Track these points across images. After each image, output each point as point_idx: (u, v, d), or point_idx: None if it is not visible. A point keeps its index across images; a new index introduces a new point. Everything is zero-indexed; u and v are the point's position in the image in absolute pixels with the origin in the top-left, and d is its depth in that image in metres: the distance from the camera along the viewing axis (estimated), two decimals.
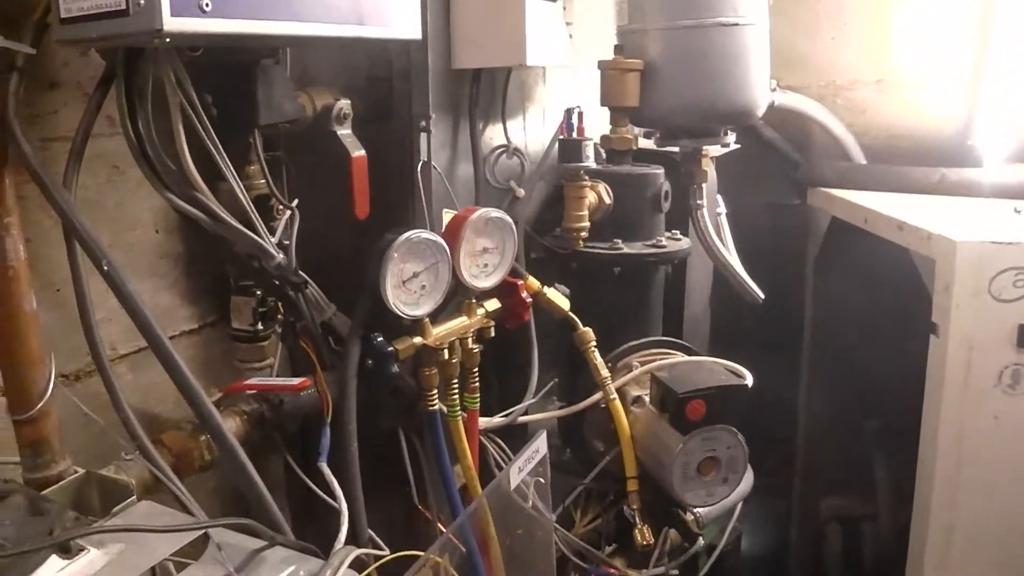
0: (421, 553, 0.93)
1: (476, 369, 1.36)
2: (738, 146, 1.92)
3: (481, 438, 1.42)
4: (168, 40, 0.89)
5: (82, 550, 0.88)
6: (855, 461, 2.75)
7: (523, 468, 1.11)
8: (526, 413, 1.45)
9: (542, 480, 1.16)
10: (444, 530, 1.22)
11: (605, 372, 1.41)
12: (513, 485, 1.08)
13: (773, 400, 2.99)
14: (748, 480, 1.72)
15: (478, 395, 1.37)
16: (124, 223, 1.29)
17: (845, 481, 2.84)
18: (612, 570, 1.44)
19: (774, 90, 2.46)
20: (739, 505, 1.77)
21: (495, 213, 1.32)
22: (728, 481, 1.37)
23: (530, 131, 1.67)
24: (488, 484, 1.24)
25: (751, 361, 3.00)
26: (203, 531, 0.91)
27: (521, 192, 1.53)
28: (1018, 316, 1.90)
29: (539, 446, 1.17)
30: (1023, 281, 1.88)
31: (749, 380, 1.39)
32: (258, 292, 1.34)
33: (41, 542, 0.87)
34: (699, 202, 1.69)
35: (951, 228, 1.96)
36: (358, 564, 0.88)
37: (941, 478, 2.03)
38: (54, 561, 0.86)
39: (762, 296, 1.94)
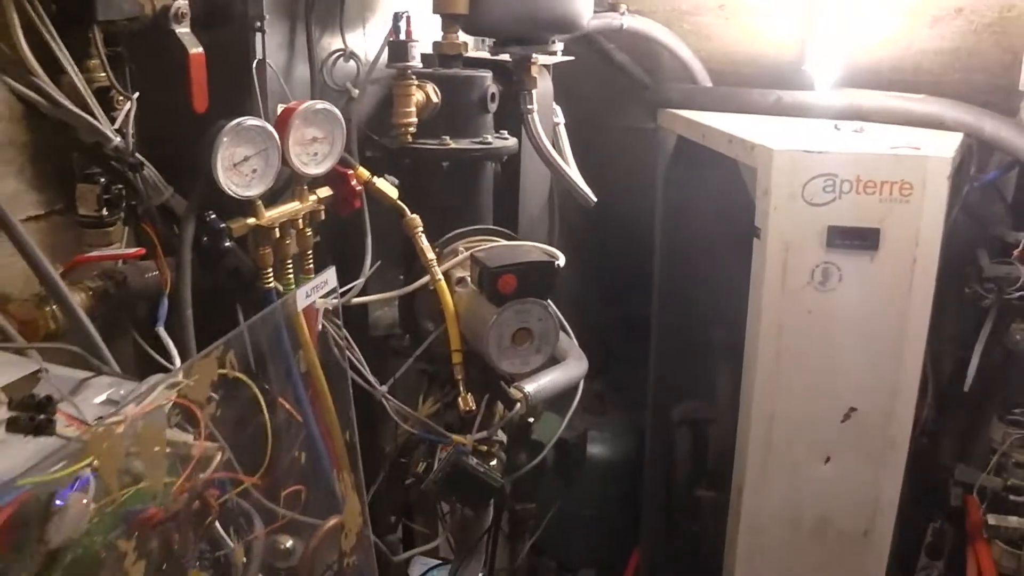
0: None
1: (310, 252, 1.49)
2: (571, 58, 2.06)
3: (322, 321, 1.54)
4: None
5: None
6: (703, 370, 2.97)
7: (311, 294, 1.24)
8: (362, 295, 1.57)
9: (329, 307, 1.29)
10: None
11: (431, 255, 1.55)
12: (300, 307, 1.21)
13: (629, 316, 3.20)
14: (580, 366, 1.87)
15: (312, 276, 1.49)
16: None
17: (694, 389, 3.06)
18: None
19: (622, 13, 2.61)
20: (577, 396, 1.91)
21: (322, 105, 1.43)
22: (541, 351, 1.52)
23: (370, 37, 1.78)
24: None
25: (609, 279, 3.18)
26: (38, 367, 1.02)
27: (355, 92, 1.65)
28: (828, 219, 2.10)
29: (328, 277, 1.30)
30: (832, 187, 2.08)
31: (561, 260, 1.53)
32: (102, 180, 1.43)
33: None
34: (529, 107, 1.83)
35: (772, 140, 2.15)
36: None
37: (763, 371, 2.24)
38: None
39: (594, 199, 2.10)
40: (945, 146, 2.13)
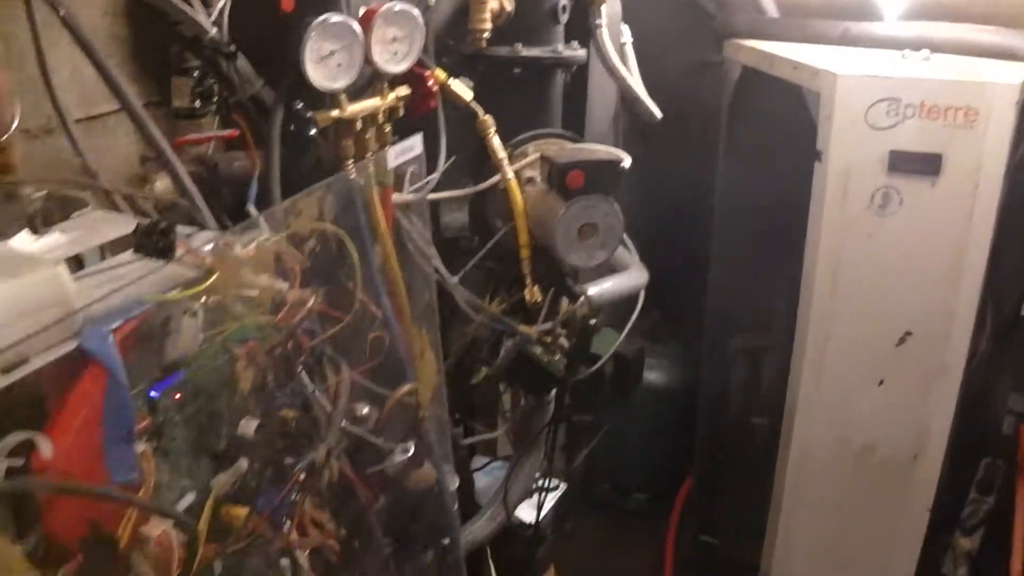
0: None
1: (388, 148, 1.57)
2: None
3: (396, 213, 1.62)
4: None
5: (48, 232, 1.08)
6: (762, 299, 3.01)
7: (399, 155, 1.33)
8: (436, 190, 1.65)
9: (415, 171, 1.37)
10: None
11: (502, 154, 1.63)
12: (392, 165, 1.29)
13: (686, 250, 3.24)
14: (640, 276, 1.94)
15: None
16: (75, 4, 1.46)
17: (752, 317, 3.10)
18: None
19: None
20: (637, 309, 1.98)
21: (401, 6, 1.51)
22: (606, 246, 1.59)
23: None
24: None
25: (668, 213, 3.22)
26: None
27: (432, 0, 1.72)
28: (890, 143, 2.12)
29: (415, 143, 1.38)
30: (895, 111, 2.10)
31: (627, 161, 1.60)
32: (196, 73, 1.53)
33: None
34: (598, 21, 1.89)
35: (836, 65, 2.17)
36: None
37: (820, 293, 2.28)
38: (25, 236, 1.06)
39: (659, 114, 2.15)
40: (1014, 75, 2.13)
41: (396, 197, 1.43)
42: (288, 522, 1.02)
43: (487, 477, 2.09)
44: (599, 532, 3.54)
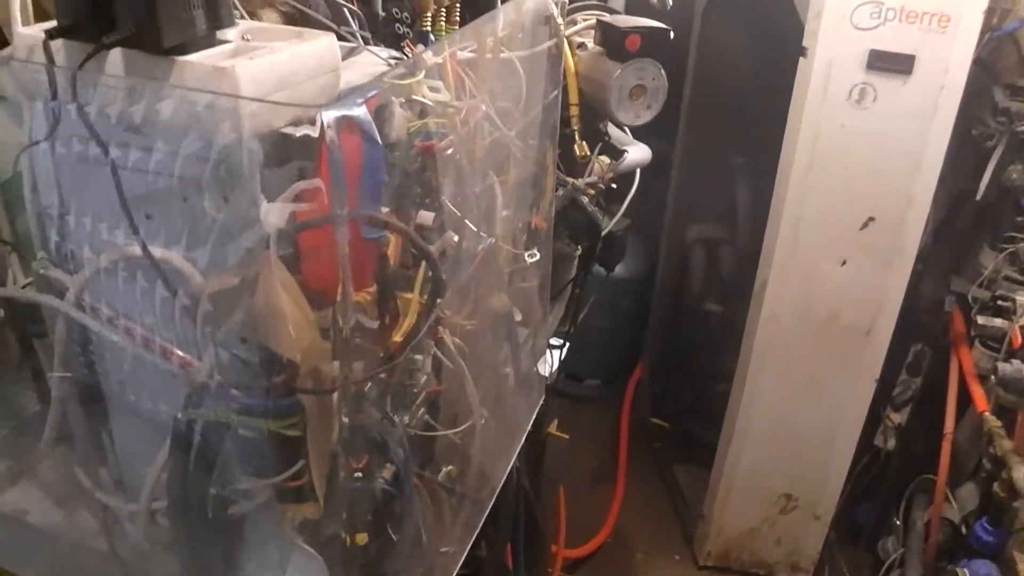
0: None
1: (458, 6, 1.70)
2: None
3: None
4: None
5: None
6: (722, 194, 3.25)
7: None
8: None
9: None
10: None
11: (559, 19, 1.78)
12: None
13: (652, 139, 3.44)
14: (647, 151, 2.13)
15: (457, 26, 1.71)
16: None
17: (711, 211, 3.34)
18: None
19: None
20: (633, 188, 2.16)
21: None
22: (651, 108, 1.77)
23: None
24: None
25: None
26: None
27: None
28: (870, 43, 2.34)
29: None
30: (878, 14, 2.31)
31: (671, 33, 1.77)
32: None
33: None
34: None
35: None
36: None
37: (795, 178, 2.50)
38: None
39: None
40: None
41: None
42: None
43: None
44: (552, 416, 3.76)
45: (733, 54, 2.98)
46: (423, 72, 1.03)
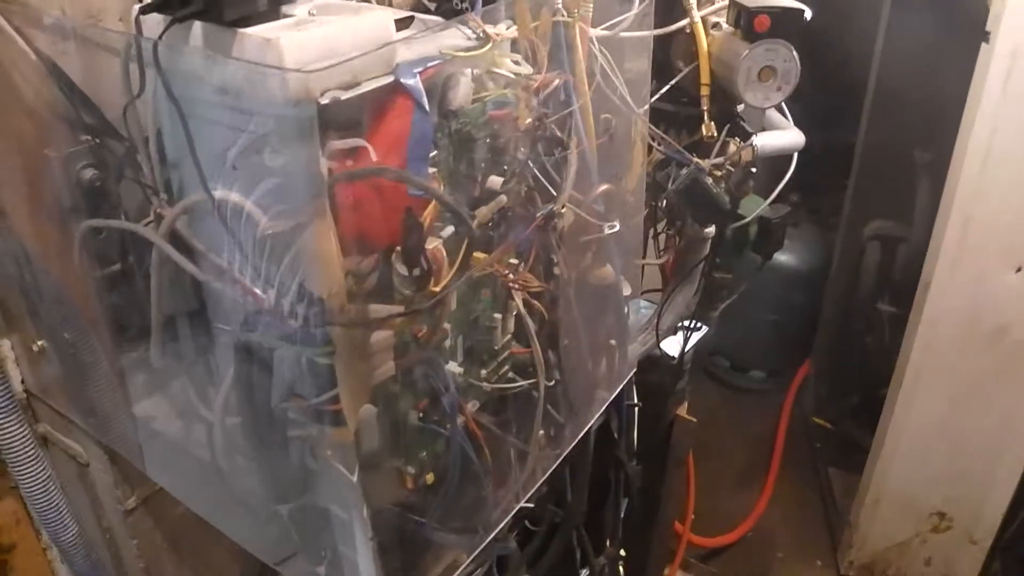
0: None
1: None
2: None
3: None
4: None
5: None
6: (903, 189, 3.08)
7: None
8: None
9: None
10: None
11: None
12: None
13: (831, 141, 3.32)
14: (799, 137, 2.06)
15: (591, 4, 1.72)
16: None
17: (892, 206, 3.18)
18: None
19: None
20: (788, 173, 2.09)
21: None
22: (782, 90, 1.72)
23: None
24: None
25: (817, 104, 3.31)
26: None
27: None
28: None
29: None
30: None
31: (808, 13, 1.71)
32: None
33: None
34: None
35: None
36: None
37: (967, 174, 2.33)
38: None
39: None
40: None
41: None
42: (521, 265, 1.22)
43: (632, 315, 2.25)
44: (711, 402, 3.72)
45: (921, 41, 2.82)
46: (490, 45, 1.07)
